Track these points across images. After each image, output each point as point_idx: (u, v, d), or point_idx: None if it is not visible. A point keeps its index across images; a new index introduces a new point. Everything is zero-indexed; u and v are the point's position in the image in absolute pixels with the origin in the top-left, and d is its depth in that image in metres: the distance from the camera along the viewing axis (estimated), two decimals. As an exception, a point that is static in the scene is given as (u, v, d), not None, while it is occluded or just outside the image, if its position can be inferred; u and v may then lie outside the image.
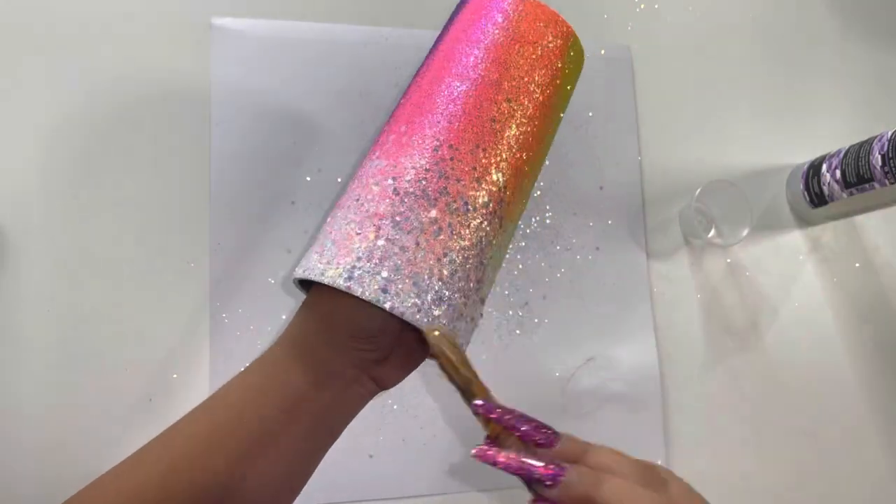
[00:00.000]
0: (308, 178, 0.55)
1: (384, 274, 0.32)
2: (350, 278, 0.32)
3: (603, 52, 0.62)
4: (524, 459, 0.29)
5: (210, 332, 0.51)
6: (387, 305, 0.31)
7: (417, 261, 0.32)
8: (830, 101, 0.66)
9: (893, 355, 0.62)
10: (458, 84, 0.37)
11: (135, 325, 0.50)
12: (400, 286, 0.32)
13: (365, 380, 0.35)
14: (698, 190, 0.57)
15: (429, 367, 0.50)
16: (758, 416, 0.59)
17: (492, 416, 0.30)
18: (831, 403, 0.60)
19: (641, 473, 0.28)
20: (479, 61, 0.38)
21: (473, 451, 0.29)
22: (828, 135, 0.65)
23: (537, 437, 0.30)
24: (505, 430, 0.30)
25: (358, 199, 0.35)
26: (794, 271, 0.62)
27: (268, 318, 0.52)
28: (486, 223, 0.35)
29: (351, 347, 0.33)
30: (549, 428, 0.30)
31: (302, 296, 0.38)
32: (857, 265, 0.63)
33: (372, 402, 0.52)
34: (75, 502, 0.30)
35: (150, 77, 0.54)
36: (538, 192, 0.58)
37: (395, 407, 0.52)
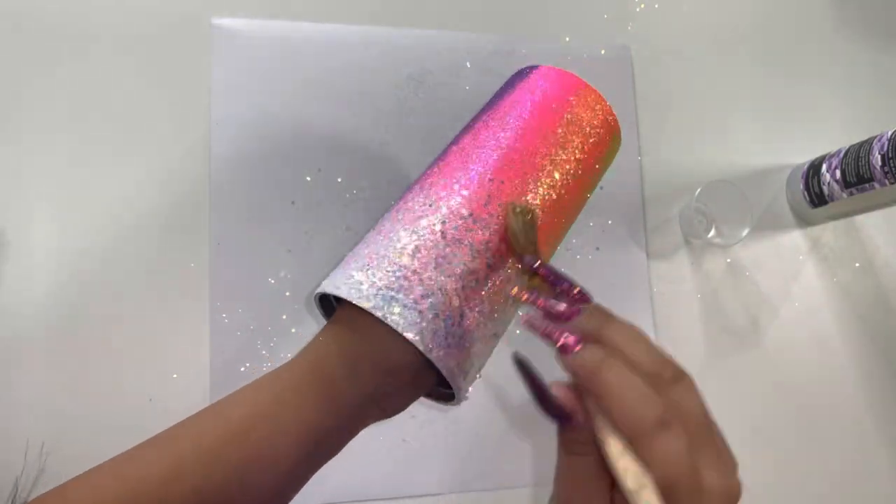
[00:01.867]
0: (308, 178, 0.55)
1: (421, 310, 0.32)
2: (387, 308, 0.32)
3: (603, 52, 0.62)
4: (550, 324, 0.30)
5: (210, 332, 0.51)
6: (421, 346, 0.31)
7: (453, 305, 0.32)
8: (830, 101, 0.66)
9: (893, 355, 0.62)
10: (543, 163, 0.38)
11: (135, 325, 0.50)
12: (434, 327, 0.32)
13: (373, 409, 0.35)
14: (698, 190, 0.57)
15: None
16: (758, 416, 0.59)
17: (536, 269, 0.33)
18: (831, 403, 0.60)
19: (651, 364, 0.27)
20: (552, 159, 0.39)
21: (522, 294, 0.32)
22: (828, 135, 0.65)
23: (569, 297, 0.31)
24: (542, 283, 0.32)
25: (401, 231, 0.35)
26: (794, 271, 0.62)
27: (268, 318, 0.52)
28: (515, 280, 0.36)
29: (372, 380, 0.33)
30: (583, 292, 0.32)
31: (305, 299, 0.37)
32: (857, 265, 0.63)
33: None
34: (75, 485, 0.30)
35: (151, 77, 0.54)
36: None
37: (395, 407, 0.52)
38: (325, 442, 0.34)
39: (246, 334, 0.51)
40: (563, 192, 0.38)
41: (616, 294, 0.58)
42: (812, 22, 0.68)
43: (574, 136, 0.39)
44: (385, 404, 0.35)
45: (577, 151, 0.39)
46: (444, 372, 0.32)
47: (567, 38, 0.62)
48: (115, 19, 0.54)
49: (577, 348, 0.28)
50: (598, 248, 0.58)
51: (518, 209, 0.34)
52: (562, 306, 0.30)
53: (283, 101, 0.55)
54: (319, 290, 0.35)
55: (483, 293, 0.34)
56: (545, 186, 0.37)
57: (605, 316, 0.30)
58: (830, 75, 0.67)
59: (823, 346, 0.61)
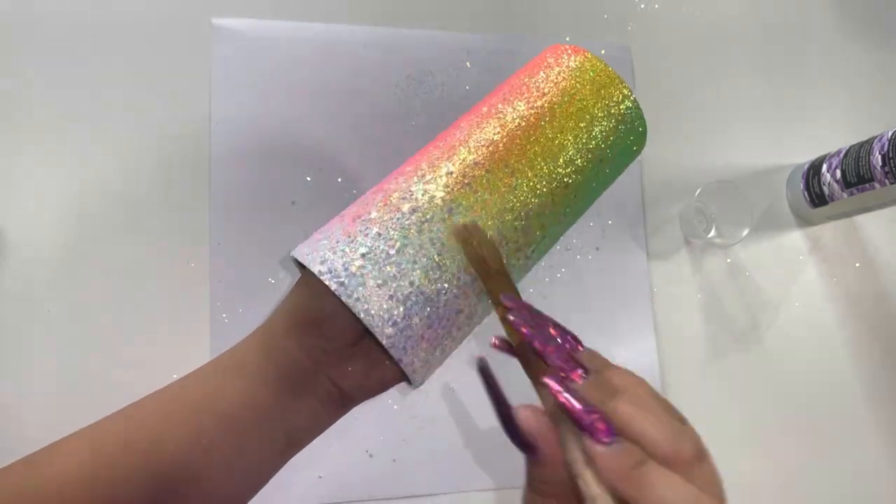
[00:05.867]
0: (308, 178, 0.55)
1: (347, 259, 0.31)
2: (315, 257, 0.31)
3: (603, 52, 0.62)
4: (584, 405, 0.25)
5: (210, 332, 0.51)
6: (332, 285, 0.30)
7: (384, 262, 0.31)
8: (830, 100, 0.66)
9: (893, 355, 0.62)
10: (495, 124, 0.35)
11: (135, 325, 0.50)
12: (360, 279, 0.30)
13: (323, 379, 0.32)
14: (698, 190, 0.57)
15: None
16: (758, 416, 0.59)
17: (512, 313, 0.27)
18: (831, 403, 0.60)
19: (672, 443, 0.24)
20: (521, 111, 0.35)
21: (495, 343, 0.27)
22: (828, 135, 0.65)
23: (564, 339, 0.27)
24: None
25: (364, 206, 0.34)
26: (794, 271, 0.62)
27: (268, 318, 0.52)
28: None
29: (304, 332, 0.32)
30: (574, 335, 0.27)
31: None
32: (857, 265, 0.63)
33: (372, 401, 0.52)
34: (43, 453, 0.29)
35: (151, 77, 0.54)
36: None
37: (395, 407, 0.52)
38: (279, 420, 0.32)
39: (246, 334, 0.51)
40: (561, 170, 0.35)
41: (616, 294, 0.58)
42: (812, 22, 0.68)
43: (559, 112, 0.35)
44: (336, 375, 0.33)
45: (568, 127, 0.35)
46: (365, 320, 0.30)
47: (567, 38, 0.62)
48: (114, 19, 0.54)
49: (608, 440, 0.23)
50: (598, 248, 0.58)
51: (469, 230, 0.31)
52: (566, 362, 0.26)
53: (283, 101, 0.55)
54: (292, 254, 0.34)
55: (441, 273, 0.31)
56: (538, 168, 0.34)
57: (603, 359, 0.26)
58: (830, 75, 0.67)
59: (823, 346, 0.61)
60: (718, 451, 0.63)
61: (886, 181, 0.53)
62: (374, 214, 0.32)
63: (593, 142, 0.36)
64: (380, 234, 0.31)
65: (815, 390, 0.60)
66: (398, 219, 0.32)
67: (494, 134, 0.34)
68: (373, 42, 0.58)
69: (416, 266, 0.31)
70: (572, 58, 0.37)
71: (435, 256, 0.31)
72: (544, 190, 0.34)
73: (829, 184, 0.58)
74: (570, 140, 0.35)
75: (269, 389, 0.31)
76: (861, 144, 0.56)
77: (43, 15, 0.53)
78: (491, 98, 0.38)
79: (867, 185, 0.54)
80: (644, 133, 0.39)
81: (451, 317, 0.32)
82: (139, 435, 0.30)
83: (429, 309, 0.31)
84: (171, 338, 0.50)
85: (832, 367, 0.61)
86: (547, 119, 0.35)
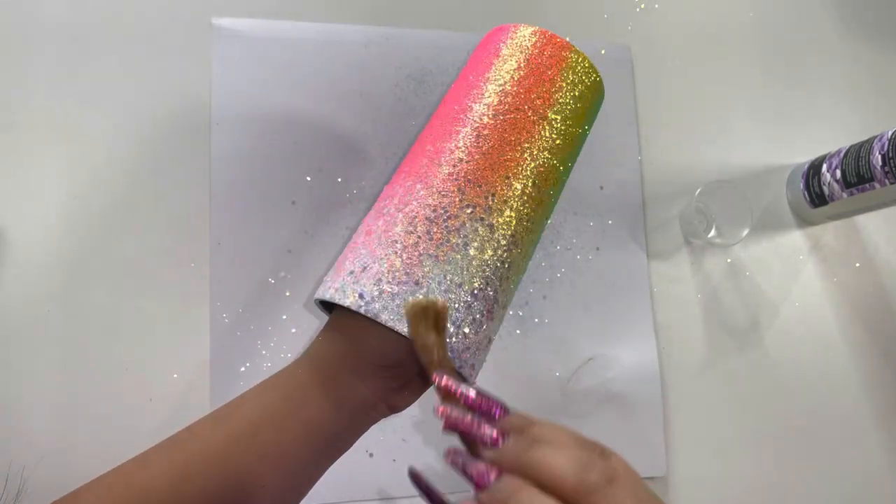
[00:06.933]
0: (308, 178, 0.55)
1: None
2: (378, 307, 0.32)
3: (603, 52, 0.62)
4: (473, 421, 0.29)
5: (210, 332, 0.51)
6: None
7: (445, 292, 0.33)
8: (830, 101, 0.66)
9: (893, 355, 0.62)
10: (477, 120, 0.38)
11: (135, 325, 0.50)
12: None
13: (381, 407, 0.35)
14: (698, 190, 0.57)
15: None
16: (758, 416, 0.59)
17: (451, 391, 0.30)
18: (831, 403, 0.60)
19: (575, 476, 0.26)
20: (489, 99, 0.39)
21: (439, 410, 0.29)
22: (828, 135, 0.65)
23: (490, 409, 0.30)
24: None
25: (386, 227, 0.35)
26: (794, 271, 0.62)
27: (268, 318, 0.52)
28: (505, 253, 0.36)
29: (376, 376, 0.34)
30: (501, 404, 0.30)
31: (305, 299, 0.37)
32: (857, 265, 0.63)
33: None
34: (86, 490, 0.30)
35: (151, 77, 0.54)
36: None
37: (395, 407, 0.52)
38: (334, 440, 0.34)
39: (246, 334, 0.51)
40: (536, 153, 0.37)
41: (616, 294, 0.58)
42: (812, 22, 0.68)
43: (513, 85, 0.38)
44: (395, 401, 0.35)
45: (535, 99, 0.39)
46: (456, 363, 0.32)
47: (567, 38, 0.62)
48: (114, 19, 0.54)
49: (500, 440, 0.28)
50: (598, 248, 0.58)
51: (422, 305, 0.32)
52: (487, 433, 0.29)
53: (283, 101, 0.55)
54: (316, 296, 0.35)
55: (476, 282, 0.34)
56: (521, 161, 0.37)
57: (530, 417, 0.29)
58: (830, 75, 0.67)
59: (823, 346, 0.61)
60: (718, 450, 0.63)
61: (886, 181, 0.53)
62: (432, 262, 0.33)
63: (571, 106, 0.41)
64: (458, 285, 0.33)
65: (815, 390, 0.60)
66: (478, 265, 0.34)
67: (514, 153, 0.37)
68: (373, 42, 0.58)
69: (494, 303, 0.34)
70: (517, 34, 0.41)
71: (489, 291, 0.34)
72: (560, 168, 0.38)
73: (829, 184, 0.58)
74: (559, 118, 0.39)
75: (327, 427, 0.33)
76: (861, 144, 0.56)
77: (42, 15, 0.53)
78: (463, 98, 0.40)
79: (867, 185, 0.54)
80: (601, 82, 0.43)
81: (500, 323, 0.36)
82: (186, 487, 0.30)
83: (490, 336, 0.35)
84: (171, 338, 0.50)
85: (832, 367, 0.61)
86: (537, 111, 0.39)
